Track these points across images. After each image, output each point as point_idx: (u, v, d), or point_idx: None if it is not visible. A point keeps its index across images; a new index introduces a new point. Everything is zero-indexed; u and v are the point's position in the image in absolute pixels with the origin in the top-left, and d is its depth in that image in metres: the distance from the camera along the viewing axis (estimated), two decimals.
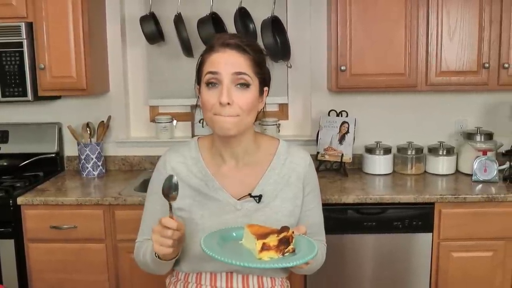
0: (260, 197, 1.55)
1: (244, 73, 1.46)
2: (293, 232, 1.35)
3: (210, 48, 1.50)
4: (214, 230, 1.46)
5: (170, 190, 1.37)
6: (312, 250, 1.34)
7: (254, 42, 1.57)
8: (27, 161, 3.19)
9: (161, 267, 1.56)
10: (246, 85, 1.46)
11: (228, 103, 1.43)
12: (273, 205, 1.56)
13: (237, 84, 1.45)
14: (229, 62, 1.45)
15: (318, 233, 1.67)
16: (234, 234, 1.44)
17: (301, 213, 1.61)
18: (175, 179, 1.38)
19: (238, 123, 1.46)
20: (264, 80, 1.54)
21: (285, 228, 1.35)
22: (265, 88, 1.56)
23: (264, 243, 1.30)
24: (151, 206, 1.64)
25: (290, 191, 1.59)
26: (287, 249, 1.33)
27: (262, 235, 1.32)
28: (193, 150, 1.62)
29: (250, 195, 1.55)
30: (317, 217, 1.67)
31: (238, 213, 1.54)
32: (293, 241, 1.34)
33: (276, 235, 1.32)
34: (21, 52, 2.84)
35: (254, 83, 1.49)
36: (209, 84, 1.47)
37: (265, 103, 1.59)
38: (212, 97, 1.45)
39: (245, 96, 1.46)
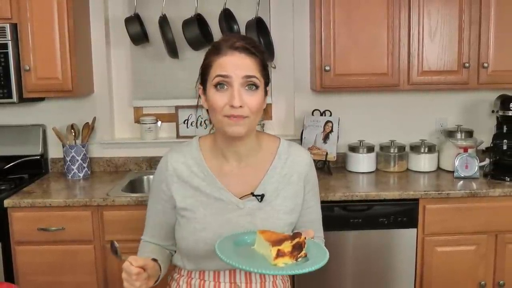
0: (262, 196, 1.57)
1: (254, 76, 1.47)
2: (305, 238, 1.38)
3: (217, 51, 1.51)
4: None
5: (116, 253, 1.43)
6: (323, 254, 1.38)
7: (258, 43, 1.58)
8: (12, 164, 3.16)
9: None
10: (255, 86, 1.48)
11: (240, 106, 1.45)
12: (275, 204, 1.58)
13: (246, 86, 1.47)
14: (239, 65, 1.47)
15: (318, 230, 1.70)
16: (247, 240, 1.46)
17: (301, 210, 1.64)
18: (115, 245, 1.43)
19: (248, 125, 1.49)
20: (267, 80, 1.57)
21: (297, 234, 1.37)
22: (267, 88, 1.58)
23: (279, 250, 1.33)
24: (153, 206, 1.67)
25: (291, 190, 1.62)
26: (300, 255, 1.36)
27: (276, 242, 1.34)
28: (194, 150, 1.62)
29: (252, 194, 1.57)
30: (316, 214, 1.71)
31: (241, 211, 1.56)
32: (305, 246, 1.38)
33: (289, 241, 1.35)
34: (6, 54, 2.82)
35: (261, 84, 1.51)
36: (217, 86, 1.48)
37: (265, 103, 1.60)
38: (221, 99, 1.47)
39: (254, 98, 1.48)
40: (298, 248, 1.35)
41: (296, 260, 1.35)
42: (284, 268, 1.33)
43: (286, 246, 1.34)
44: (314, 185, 1.70)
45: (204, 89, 1.54)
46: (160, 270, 1.54)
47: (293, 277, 2.73)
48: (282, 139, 1.70)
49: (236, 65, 1.47)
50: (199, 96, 1.59)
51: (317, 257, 1.36)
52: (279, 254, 1.33)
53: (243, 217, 1.55)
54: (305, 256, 1.37)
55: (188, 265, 1.60)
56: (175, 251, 1.70)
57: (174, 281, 1.66)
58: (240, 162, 1.61)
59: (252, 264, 1.32)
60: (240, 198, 1.57)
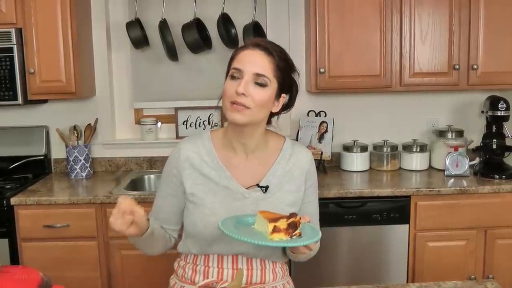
0: (266, 187, 1.69)
1: (264, 75, 1.59)
2: (300, 218, 1.49)
3: (242, 46, 1.66)
4: (224, 215, 1.60)
5: None
6: (316, 235, 1.49)
7: (284, 51, 1.67)
8: (16, 163, 3.25)
9: (137, 243, 1.68)
10: (263, 85, 1.59)
11: (244, 94, 1.56)
12: (277, 196, 1.70)
13: (256, 82, 1.58)
14: (253, 62, 1.59)
15: (315, 223, 1.80)
16: (250, 220, 1.59)
17: (301, 204, 1.76)
18: None
19: (248, 115, 1.59)
20: (283, 87, 1.66)
21: (293, 214, 1.49)
22: (283, 95, 1.68)
23: (275, 226, 1.45)
24: (162, 189, 1.78)
25: (293, 184, 1.74)
26: (294, 233, 1.47)
27: (273, 219, 1.47)
28: (206, 141, 1.75)
29: (258, 185, 1.69)
30: (315, 209, 1.82)
31: (246, 201, 1.68)
32: (300, 226, 1.49)
33: (285, 219, 1.47)
34: (11, 57, 2.91)
35: (272, 85, 1.61)
36: (232, 76, 1.61)
37: (280, 110, 1.70)
38: (231, 87, 1.59)
39: (260, 92, 1.59)
40: (293, 226, 1.46)
41: (291, 237, 1.46)
42: (277, 241, 1.44)
43: (282, 223, 1.45)
44: (314, 181, 1.81)
45: None
46: (147, 230, 1.59)
47: (289, 271, 2.81)
48: (287, 138, 1.81)
49: (250, 61, 1.59)
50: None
51: (310, 237, 1.48)
52: (275, 230, 1.45)
53: (248, 206, 1.67)
54: (300, 235, 1.48)
55: (193, 249, 1.71)
56: (174, 238, 1.81)
57: (180, 268, 1.76)
58: (247, 155, 1.72)
59: (249, 236, 1.44)
60: (246, 188, 1.69)
